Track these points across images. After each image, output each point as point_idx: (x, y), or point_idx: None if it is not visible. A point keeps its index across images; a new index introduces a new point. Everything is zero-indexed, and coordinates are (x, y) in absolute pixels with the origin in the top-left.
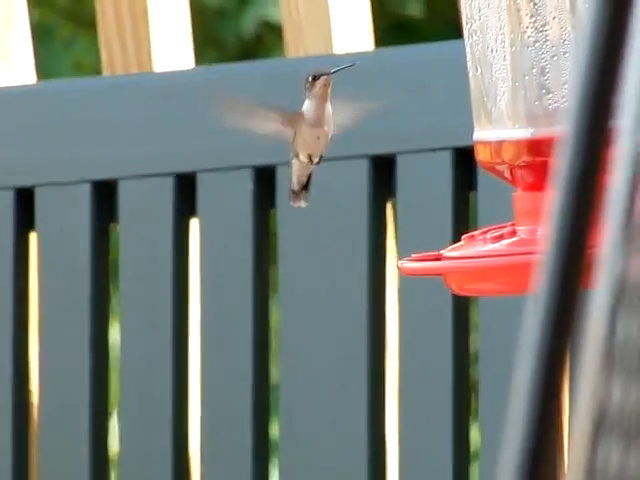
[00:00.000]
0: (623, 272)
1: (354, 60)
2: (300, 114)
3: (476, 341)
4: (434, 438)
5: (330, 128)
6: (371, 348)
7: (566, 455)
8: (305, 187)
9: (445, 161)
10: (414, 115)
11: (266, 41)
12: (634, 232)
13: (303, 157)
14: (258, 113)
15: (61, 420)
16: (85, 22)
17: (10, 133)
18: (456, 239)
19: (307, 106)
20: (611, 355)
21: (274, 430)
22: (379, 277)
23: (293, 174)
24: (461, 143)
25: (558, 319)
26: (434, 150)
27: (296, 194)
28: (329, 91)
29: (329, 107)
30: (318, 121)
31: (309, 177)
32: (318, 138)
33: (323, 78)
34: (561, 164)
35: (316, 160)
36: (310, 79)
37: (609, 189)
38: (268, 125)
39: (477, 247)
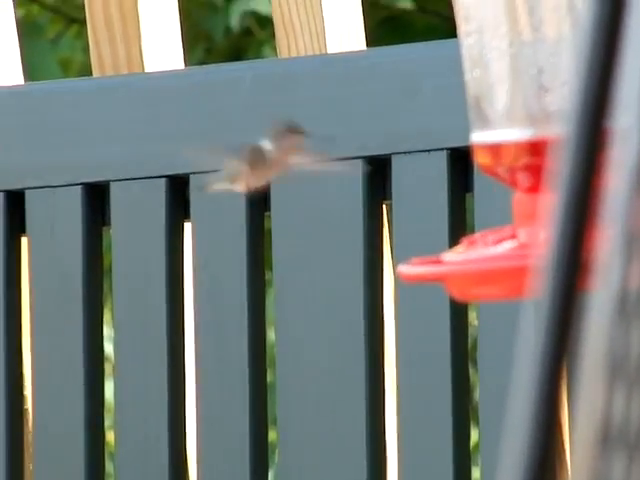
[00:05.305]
0: (624, 279)
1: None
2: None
3: (475, 343)
4: (434, 443)
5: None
6: (368, 352)
7: (568, 468)
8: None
9: (440, 162)
10: (408, 115)
11: (256, 35)
12: (635, 238)
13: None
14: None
15: (56, 426)
16: (73, 18)
17: None
18: (453, 241)
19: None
20: (612, 365)
21: (272, 436)
22: (375, 279)
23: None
24: (456, 144)
25: (559, 323)
26: (429, 151)
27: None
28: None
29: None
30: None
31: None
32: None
33: (295, 138)
34: (560, 166)
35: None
36: (285, 128)
37: (609, 191)
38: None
39: (478, 251)
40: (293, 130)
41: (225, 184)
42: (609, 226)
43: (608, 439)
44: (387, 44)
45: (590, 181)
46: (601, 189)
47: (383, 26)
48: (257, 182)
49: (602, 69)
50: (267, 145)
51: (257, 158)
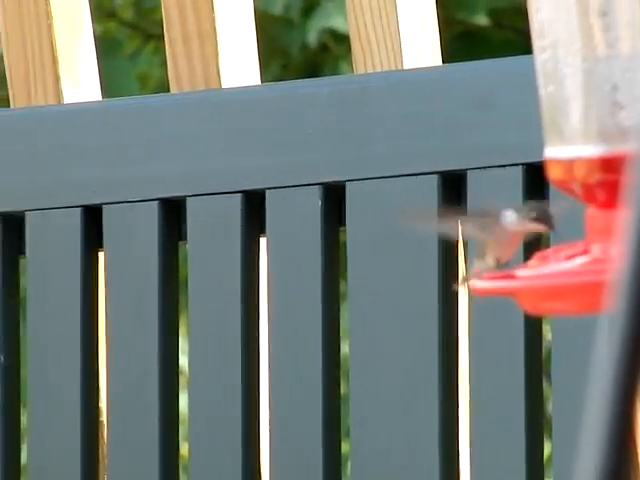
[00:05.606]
0: None
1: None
2: (498, 220)
3: (549, 355)
4: (507, 455)
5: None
6: (442, 365)
7: None
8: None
9: (516, 177)
10: (484, 131)
11: (333, 50)
12: None
13: (489, 260)
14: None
15: (131, 438)
16: (151, 34)
17: (77, 151)
18: (528, 256)
19: (511, 218)
20: None
21: (345, 447)
22: (450, 293)
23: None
24: (532, 159)
25: (633, 339)
26: (504, 166)
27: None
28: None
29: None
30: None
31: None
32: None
33: (541, 226)
34: (635, 181)
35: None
36: (535, 214)
37: None
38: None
39: (550, 266)
40: (542, 218)
41: (477, 264)
42: None
43: None
44: (463, 59)
45: None
46: None
47: (459, 41)
48: (503, 255)
49: None
50: (511, 217)
51: (498, 231)
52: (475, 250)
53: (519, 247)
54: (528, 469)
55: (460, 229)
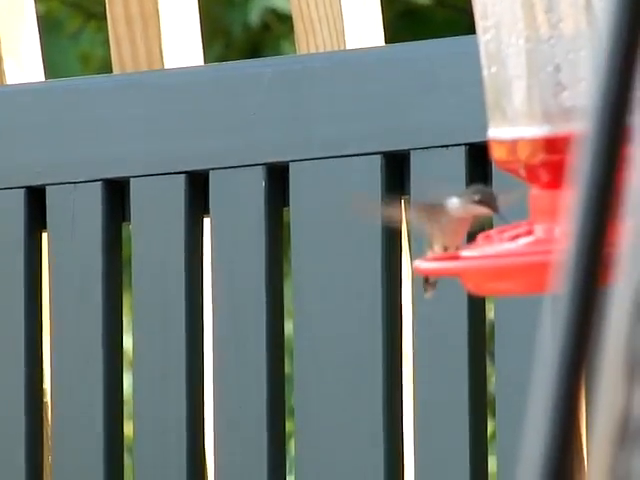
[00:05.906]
0: None
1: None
2: (442, 208)
3: (492, 333)
4: (451, 432)
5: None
6: (386, 343)
7: (586, 462)
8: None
9: (459, 157)
10: (427, 111)
11: (275, 30)
12: None
13: (438, 248)
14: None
15: (74, 419)
16: (93, 13)
17: (20, 132)
18: (470, 236)
19: (455, 204)
20: (632, 361)
21: (289, 426)
22: (393, 272)
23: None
24: (475, 139)
25: (578, 319)
26: (447, 146)
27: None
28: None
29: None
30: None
31: None
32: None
33: (485, 209)
34: (580, 162)
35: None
36: (478, 197)
37: (629, 186)
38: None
39: (494, 246)
40: (485, 201)
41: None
42: (629, 221)
43: (627, 434)
44: (405, 38)
45: (610, 176)
46: (621, 185)
47: (401, 20)
48: (451, 242)
49: (623, 63)
50: (454, 203)
51: (443, 218)
52: (426, 240)
53: (465, 234)
54: (472, 446)
55: (405, 217)
